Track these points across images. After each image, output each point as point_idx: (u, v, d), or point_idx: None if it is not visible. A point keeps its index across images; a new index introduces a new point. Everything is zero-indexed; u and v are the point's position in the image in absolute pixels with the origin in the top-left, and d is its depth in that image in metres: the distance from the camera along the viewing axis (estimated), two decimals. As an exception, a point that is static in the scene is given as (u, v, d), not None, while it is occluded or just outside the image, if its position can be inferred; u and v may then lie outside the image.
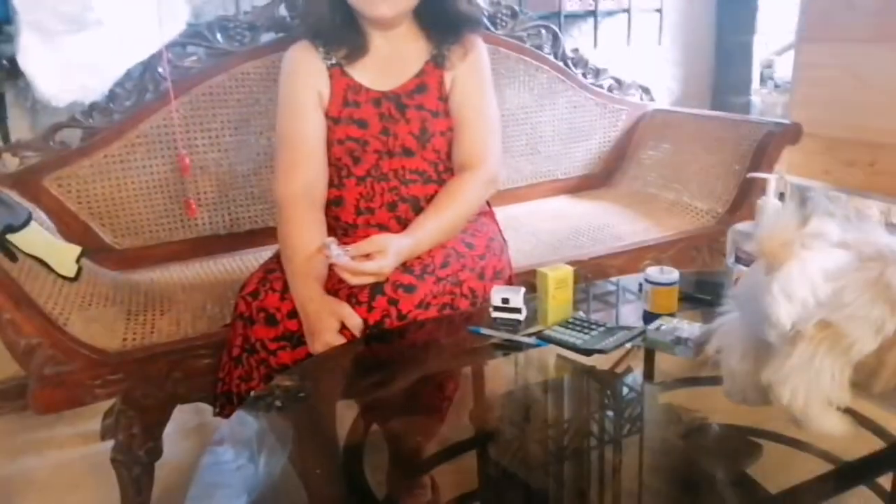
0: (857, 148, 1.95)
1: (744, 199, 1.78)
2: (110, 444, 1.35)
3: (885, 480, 0.84)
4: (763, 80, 2.46)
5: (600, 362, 1.05)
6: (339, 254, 1.14)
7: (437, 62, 1.37)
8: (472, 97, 1.37)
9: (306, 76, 1.34)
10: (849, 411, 0.88)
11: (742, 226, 1.06)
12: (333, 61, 1.35)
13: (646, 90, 2.21)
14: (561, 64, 2.04)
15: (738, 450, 0.90)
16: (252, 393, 1.14)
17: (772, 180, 1.02)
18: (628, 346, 1.08)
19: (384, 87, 1.36)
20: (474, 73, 1.38)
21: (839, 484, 0.81)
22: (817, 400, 0.79)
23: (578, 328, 1.11)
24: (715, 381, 0.91)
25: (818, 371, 0.77)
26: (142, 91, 1.60)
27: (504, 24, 1.94)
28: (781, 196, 0.99)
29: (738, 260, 1.01)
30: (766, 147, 1.77)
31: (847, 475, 0.82)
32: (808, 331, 0.76)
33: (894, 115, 1.85)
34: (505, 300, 1.17)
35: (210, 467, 0.86)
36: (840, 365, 0.77)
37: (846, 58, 1.96)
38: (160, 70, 1.58)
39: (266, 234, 1.72)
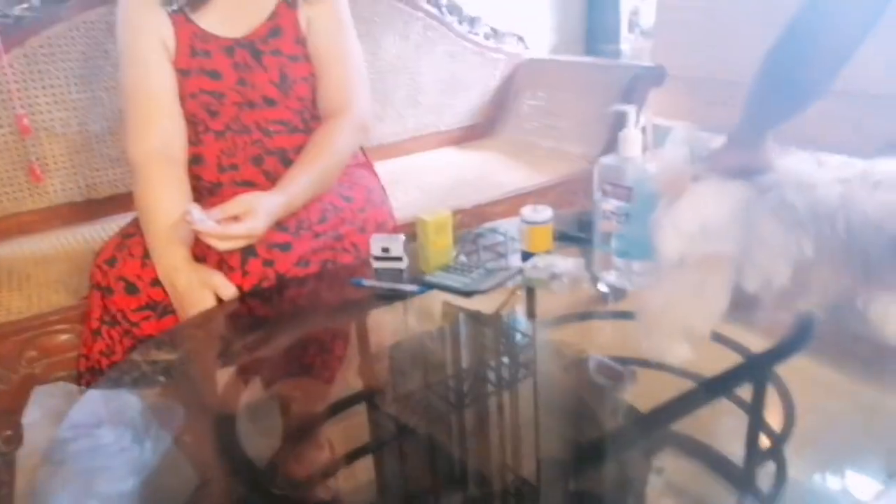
0: (717, 87, 2.06)
1: (615, 141, 1.83)
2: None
3: (746, 394, 0.89)
4: (630, 27, 2.53)
5: (485, 305, 1.06)
6: (203, 219, 1.03)
7: (290, 2, 1.28)
8: (332, 38, 1.30)
9: (146, 24, 1.21)
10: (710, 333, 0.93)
11: (606, 159, 1.08)
12: (175, 7, 1.23)
13: (521, 38, 2.22)
14: (435, 11, 2.01)
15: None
16: (114, 367, 1.06)
17: (630, 112, 1.06)
18: (509, 285, 1.09)
19: (235, 33, 1.25)
20: (331, 12, 1.30)
21: (702, 398, 0.86)
22: (674, 326, 0.82)
23: (459, 272, 1.11)
24: (589, 316, 0.93)
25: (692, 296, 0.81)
26: (-34, 44, 1.42)
27: (374, -32, 1.87)
28: (644, 130, 1.03)
29: (604, 193, 1.04)
30: (634, 90, 1.83)
31: (708, 389, 0.87)
32: (693, 261, 0.79)
33: (748, 52, 1.95)
34: (385, 249, 1.15)
35: (89, 451, 0.80)
36: (715, 294, 0.80)
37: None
38: (-15, 19, 1.41)
39: (129, 199, 1.56)
